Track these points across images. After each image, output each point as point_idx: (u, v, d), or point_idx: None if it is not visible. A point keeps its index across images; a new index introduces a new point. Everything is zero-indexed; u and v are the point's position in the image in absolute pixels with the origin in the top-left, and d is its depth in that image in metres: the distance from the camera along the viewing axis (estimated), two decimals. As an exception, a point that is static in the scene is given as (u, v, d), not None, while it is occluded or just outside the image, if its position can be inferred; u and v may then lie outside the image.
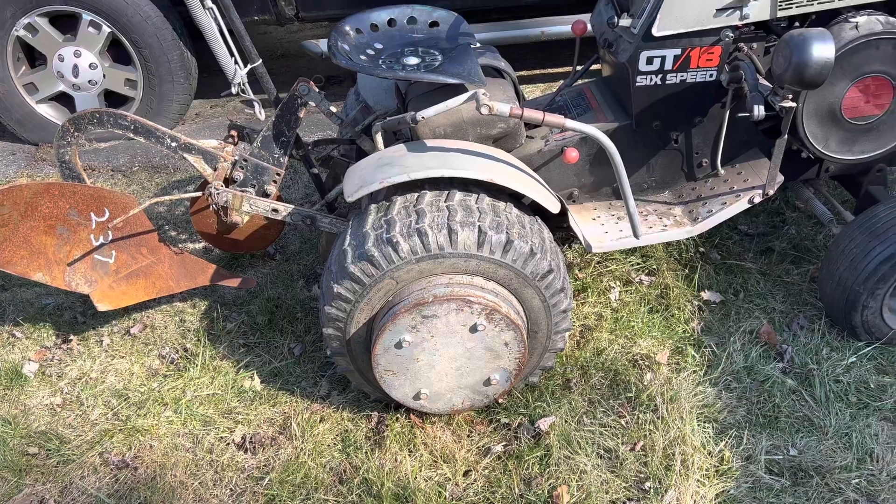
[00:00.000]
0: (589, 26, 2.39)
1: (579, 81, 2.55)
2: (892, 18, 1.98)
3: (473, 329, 1.84)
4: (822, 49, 1.75)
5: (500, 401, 2.09)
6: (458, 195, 1.91)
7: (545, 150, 2.22)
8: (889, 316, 2.16)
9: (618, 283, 2.53)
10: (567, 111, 2.37)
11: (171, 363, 2.34)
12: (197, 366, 2.30)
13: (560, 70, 4.09)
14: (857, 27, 1.94)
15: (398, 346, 1.85)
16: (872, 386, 2.09)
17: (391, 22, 2.32)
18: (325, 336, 1.95)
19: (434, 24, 2.35)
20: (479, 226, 1.82)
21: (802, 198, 2.48)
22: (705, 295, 2.43)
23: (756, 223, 2.76)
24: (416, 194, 1.92)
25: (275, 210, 2.24)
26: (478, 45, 2.32)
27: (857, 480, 1.85)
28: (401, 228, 1.81)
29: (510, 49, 3.62)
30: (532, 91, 3.88)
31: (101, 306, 2.22)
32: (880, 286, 2.06)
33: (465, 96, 1.89)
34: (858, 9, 2.00)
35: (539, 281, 1.89)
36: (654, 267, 2.56)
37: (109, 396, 2.23)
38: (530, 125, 2.24)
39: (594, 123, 2.23)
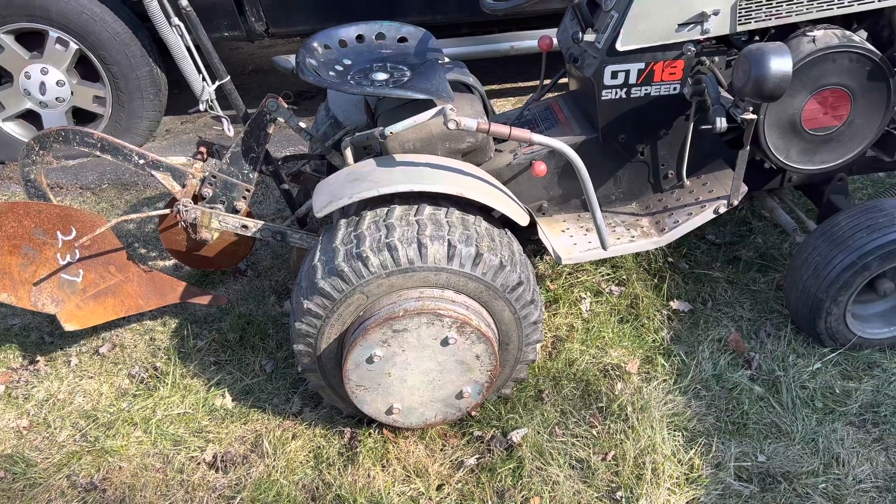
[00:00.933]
0: (555, 41, 2.42)
1: (547, 95, 2.58)
2: (847, 32, 2.04)
3: (445, 342, 1.84)
4: (780, 63, 1.79)
5: (473, 413, 2.10)
6: (428, 209, 1.92)
7: (514, 164, 2.24)
8: (852, 322, 2.21)
9: (588, 293, 2.55)
10: (535, 125, 2.40)
11: (141, 382, 2.31)
12: (167, 384, 2.27)
13: (530, 84, 4.14)
14: (814, 41, 1.99)
15: (369, 360, 1.84)
16: (837, 391, 2.13)
17: (360, 38, 2.33)
18: (296, 352, 1.94)
19: (402, 39, 2.37)
20: (448, 239, 1.83)
21: (767, 207, 2.53)
22: (674, 304, 2.47)
23: (723, 233, 2.80)
24: (385, 209, 1.92)
25: (244, 226, 2.23)
26: (446, 60, 2.34)
27: (823, 485, 1.88)
28: (371, 243, 1.82)
29: (480, 63, 3.66)
30: (503, 105, 3.92)
31: (69, 326, 2.19)
32: (842, 293, 2.11)
33: (432, 111, 1.90)
34: (815, 23, 2.05)
35: (509, 293, 1.90)
36: (624, 277, 2.59)
37: (77, 418, 2.20)
38: (499, 139, 2.26)
39: (561, 137, 2.25)
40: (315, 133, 2.44)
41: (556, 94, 2.56)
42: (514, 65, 4.23)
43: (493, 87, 4.05)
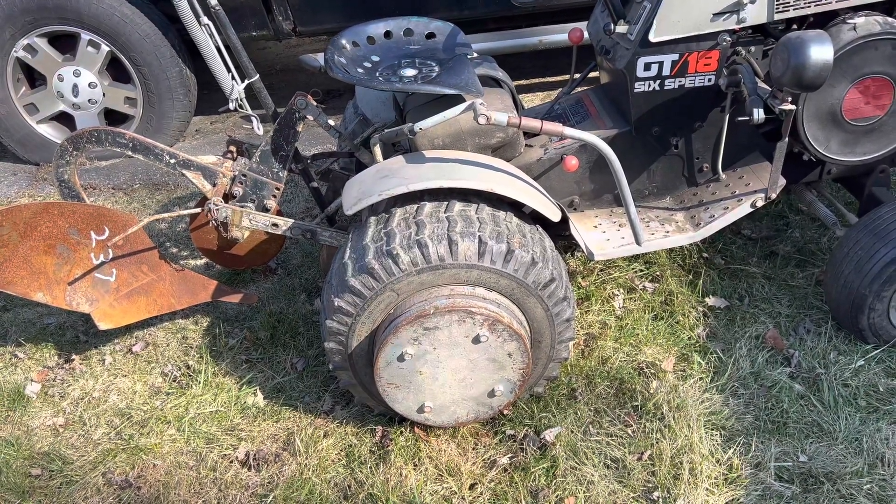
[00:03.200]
0: (586, 34, 2.38)
1: (578, 89, 2.54)
2: (889, 19, 1.97)
3: (476, 340, 1.82)
4: (821, 51, 1.73)
5: (505, 412, 2.07)
6: (458, 206, 1.90)
7: (545, 159, 2.21)
8: (895, 317, 2.14)
9: (621, 290, 2.51)
10: (566, 119, 2.36)
11: (174, 381, 2.33)
12: (199, 383, 2.28)
13: (559, 78, 4.09)
14: (855, 28, 1.93)
15: (400, 359, 1.83)
16: (881, 389, 2.07)
17: (388, 34, 2.32)
18: (327, 350, 1.93)
19: (431, 35, 2.35)
20: (479, 236, 1.81)
21: (805, 201, 2.47)
22: (710, 300, 2.41)
23: (759, 227, 2.74)
24: (415, 206, 1.91)
25: (274, 225, 2.23)
26: (475, 55, 2.32)
27: (868, 486, 1.82)
28: (401, 240, 1.80)
29: (508, 58, 3.63)
30: (531, 100, 3.88)
31: (103, 325, 2.21)
32: (886, 288, 2.04)
33: (462, 107, 1.88)
34: (856, 10, 1.99)
35: (541, 290, 1.88)
36: (658, 273, 2.55)
37: (112, 416, 2.22)
38: (529, 134, 2.23)
39: (593, 131, 2.22)
40: (344, 131, 2.43)
41: (586, 87, 2.52)
42: (542, 59, 4.19)
43: (522, 82, 4.02)
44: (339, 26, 2.37)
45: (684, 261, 2.58)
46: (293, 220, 2.23)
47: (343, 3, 3.48)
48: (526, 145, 2.26)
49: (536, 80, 4.09)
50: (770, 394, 2.08)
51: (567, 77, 2.53)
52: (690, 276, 2.52)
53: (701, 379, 2.14)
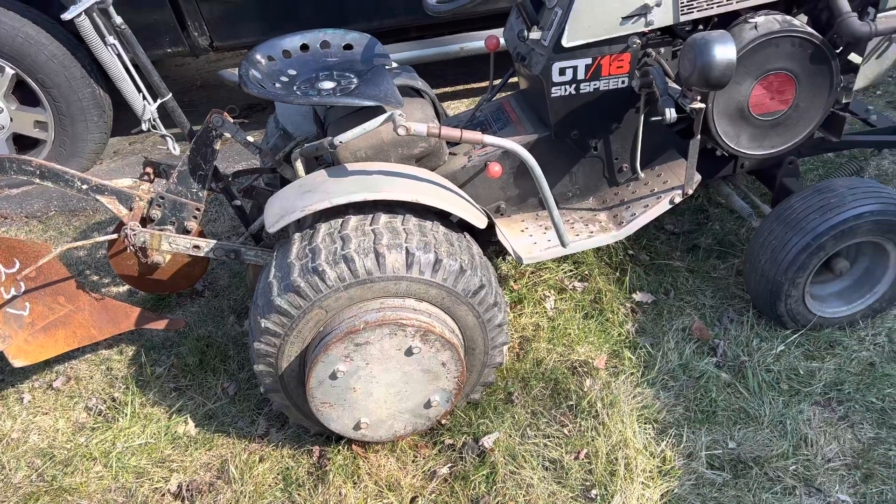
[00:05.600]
0: (502, 41, 2.41)
1: (500, 95, 2.56)
2: (788, 17, 2.06)
3: (409, 352, 1.81)
4: (724, 50, 1.79)
5: (443, 422, 2.07)
6: (384, 217, 1.88)
7: (469, 166, 2.22)
8: (811, 302, 2.23)
9: (552, 291, 2.54)
10: (488, 126, 2.38)
11: (99, 415, 2.23)
12: (126, 415, 2.20)
13: (482, 85, 4.12)
14: (756, 27, 2.00)
15: (332, 376, 1.80)
16: (802, 372, 2.15)
17: (304, 47, 2.29)
18: (256, 373, 1.89)
19: (348, 46, 2.33)
20: (406, 247, 1.80)
21: (723, 194, 2.55)
22: (637, 296, 2.47)
23: (682, 221, 2.82)
24: (340, 220, 1.88)
25: (196, 247, 2.17)
26: (394, 65, 2.31)
27: (794, 467, 1.89)
28: (326, 256, 1.77)
29: (432, 66, 3.63)
30: (457, 106, 3.90)
31: (17, 362, 2.10)
32: (800, 275, 2.13)
33: (381, 118, 1.87)
34: (757, 9, 2.07)
35: (471, 298, 1.88)
36: (587, 273, 2.59)
37: (33, 457, 2.11)
38: (453, 142, 2.24)
39: (514, 136, 2.24)
40: (265, 146, 2.39)
41: (507, 93, 2.55)
42: (465, 66, 4.22)
43: (446, 89, 4.03)
44: (258, 40, 2.33)
45: (611, 259, 2.64)
46: (216, 241, 2.17)
47: (260, 16, 3.42)
48: (450, 153, 2.26)
49: (461, 87, 4.11)
50: (698, 384, 2.14)
51: (488, 84, 2.55)
52: (618, 274, 2.57)
53: (632, 374, 2.18)
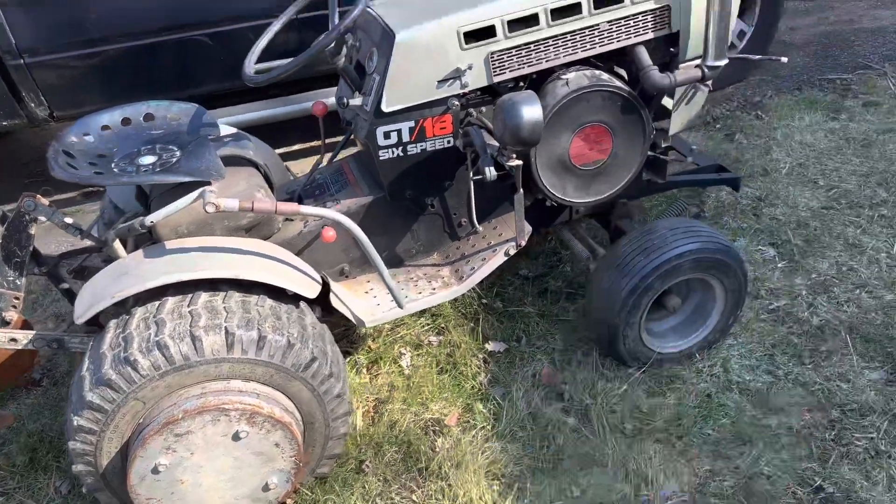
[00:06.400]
0: (331, 103, 2.41)
1: (340, 156, 2.56)
2: (597, 72, 2.16)
3: (236, 437, 1.74)
4: (531, 110, 1.85)
5: (288, 502, 1.99)
6: (204, 297, 1.82)
7: (305, 232, 2.19)
8: (650, 339, 2.31)
9: (408, 347, 2.53)
10: (327, 188, 2.37)
11: (-89, 533, 2.03)
12: (-58, 530, 2.01)
13: (332, 141, 4.05)
14: (567, 83, 2.09)
15: (155, 471, 1.70)
16: (645, 409, 2.21)
17: (125, 121, 2.21)
18: (76, 473, 1.76)
19: (174, 118, 2.27)
20: (225, 327, 1.74)
21: (564, 239, 2.63)
22: (489, 346, 2.49)
23: (536, 265, 2.88)
24: (157, 303, 1.80)
25: (13, 339, 2.02)
26: (221, 134, 2.27)
27: (635, 509, 1.93)
28: (139, 344, 1.69)
29: (281, 125, 3.58)
30: (303, 166, 3.78)
31: None
32: (633, 315, 2.20)
33: (193, 195, 1.82)
34: (569, 66, 2.16)
35: (303, 372, 1.83)
36: (443, 325, 2.59)
37: None
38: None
39: (351, 198, 2.24)
40: (101, 222, 2.28)
41: (348, 154, 2.55)
42: (312, 125, 4.15)
43: (296, 146, 3.96)
44: (101, 107, 2.23)
45: (466, 308, 2.65)
46: (35, 332, 2.04)
47: (100, 84, 3.30)
48: (286, 220, 2.22)
49: (309, 145, 4.04)
50: (545, 432, 2.16)
51: (339, 140, 2.52)
52: (472, 324, 2.59)
53: (483, 428, 2.19)
